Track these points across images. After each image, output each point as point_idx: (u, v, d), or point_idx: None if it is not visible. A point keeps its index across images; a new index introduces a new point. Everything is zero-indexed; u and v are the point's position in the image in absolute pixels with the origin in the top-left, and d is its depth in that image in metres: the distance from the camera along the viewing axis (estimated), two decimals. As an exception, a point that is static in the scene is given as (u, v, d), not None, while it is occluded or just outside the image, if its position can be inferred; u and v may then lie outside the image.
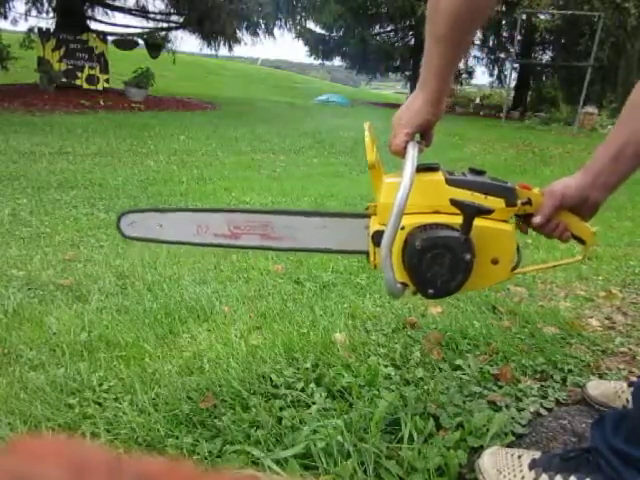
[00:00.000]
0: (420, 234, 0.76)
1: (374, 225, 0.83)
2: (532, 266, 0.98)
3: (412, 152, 0.76)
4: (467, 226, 0.74)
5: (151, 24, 11.49)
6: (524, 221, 0.85)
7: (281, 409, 1.05)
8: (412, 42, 17.85)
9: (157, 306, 1.57)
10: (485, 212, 0.74)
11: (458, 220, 0.75)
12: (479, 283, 0.82)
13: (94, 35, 9.52)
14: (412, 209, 0.75)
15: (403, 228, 0.76)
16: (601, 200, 0.81)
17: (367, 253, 0.88)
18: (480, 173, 0.81)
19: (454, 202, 0.75)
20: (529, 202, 0.82)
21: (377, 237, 0.80)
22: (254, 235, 0.91)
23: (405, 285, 0.80)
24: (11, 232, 2.36)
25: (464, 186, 0.79)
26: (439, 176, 0.80)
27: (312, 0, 10.70)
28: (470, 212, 0.74)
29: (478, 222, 0.74)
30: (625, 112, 0.79)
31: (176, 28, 11.25)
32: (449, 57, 0.77)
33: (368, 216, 0.87)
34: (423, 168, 0.78)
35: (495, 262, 0.80)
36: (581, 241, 0.87)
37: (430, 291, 0.78)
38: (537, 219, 0.82)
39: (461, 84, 17.89)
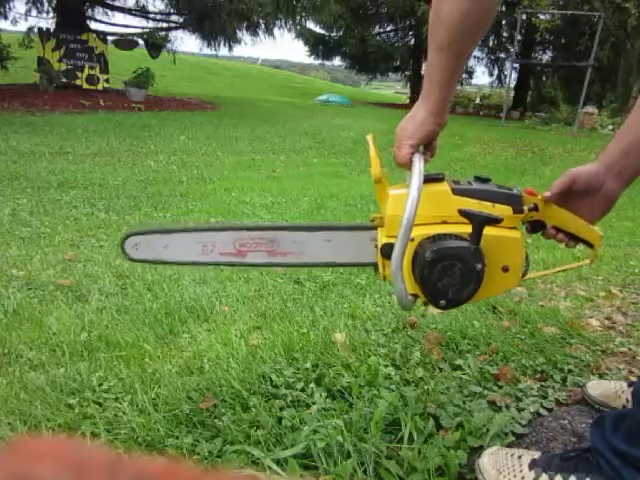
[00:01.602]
0: (430, 245, 0.75)
1: (382, 237, 0.83)
2: (541, 271, 0.98)
3: (418, 164, 0.76)
4: (477, 236, 0.74)
5: (151, 24, 11.50)
6: (531, 228, 0.86)
7: (281, 409, 1.05)
8: (412, 42, 17.86)
9: (157, 306, 1.57)
10: (494, 221, 0.74)
11: (467, 229, 0.75)
12: (490, 292, 0.82)
13: (94, 35, 9.52)
14: (420, 220, 0.75)
15: (412, 240, 0.76)
16: (617, 191, 0.80)
17: (375, 265, 0.88)
18: (485, 181, 0.81)
19: (463, 212, 0.75)
20: (536, 208, 0.82)
21: (386, 250, 0.79)
22: (261, 252, 0.90)
23: (416, 296, 0.80)
24: (11, 232, 2.36)
25: (471, 195, 0.78)
26: (445, 186, 0.79)
27: (312, 0, 10.67)
28: (479, 222, 0.73)
29: (487, 231, 0.74)
30: (636, 108, 0.78)
31: (176, 28, 11.24)
32: (451, 67, 0.77)
33: (374, 228, 0.87)
34: (428, 179, 0.78)
35: (506, 270, 0.80)
36: (589, 245, 0.86)
37: (442, 302, 0.78)
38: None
39: (461, 84, 17.91)
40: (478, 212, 0.74)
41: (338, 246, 0.89)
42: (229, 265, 0.93)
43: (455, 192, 0.79)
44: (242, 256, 0.90)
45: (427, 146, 0.85)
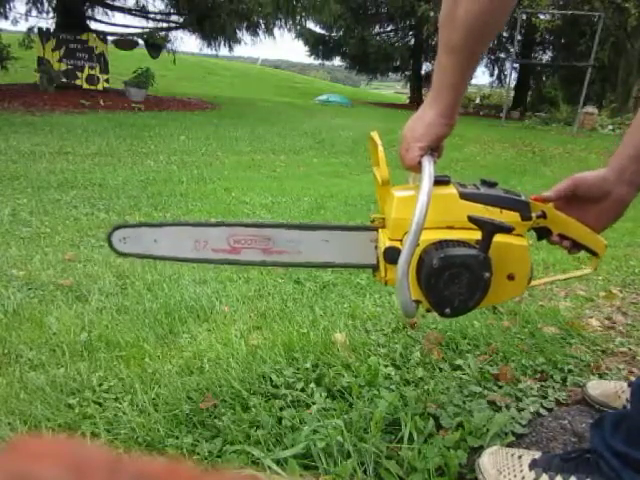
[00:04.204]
0: (437, 252, 0.73)
1: (384, 240, 0.80)
2: (543, 279, 0.97)
3: (428, 167, 0.74)
4: (486, 244, 0.71)
5: (151, 24, 11.49)
6: (536, 234, 0.85)
7: (281, 409, 1.05)
8: (412, 42, 17.86)
9: (157, 306, 1.57)
10: (506, 230, 0.71)
11: (473, 236, 0.73)
12: (495, 299, 0.80)
13: (94, 35, 9.52)
14: (425, 224, 0.72)
15: (418, 245, 0.73)
16: (628, 197, 0.79)
17: (374, 268, 0.86)
18: (492, 185, 0.79)
19: (473, 219, 0.72)
20: (544, 215, 0.80)
21: (390, 254, 0.77)
22: (255, 250, 0.87)
23: (418, 302, 0.78)
24: (11, 232, 2.36)
25: (478, 200, 0.76)
26: (452, 190, 0.77)
27: (312, 0, 10.67)
28: (490, 230, 0.71)
29: (495, 238, 0.72)
30: None
31: (176, 28, 11.24)
32: (464, 68, 0.76)
33: (374, 229, 0.85)
34: (435, 181, 0.75)
35: (511, 278, 0.78)
36: (593, 253, 0.85)
37: (447, 310, 0.75)
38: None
39: (461, 84, 17.88)
40: (489, 220, 0.71)
41: (336, 246, 0.87)
42: (222, 263, 0.90)
43: (462, 196, 0.76)
44: (236, 253, 0.88)
45: (434, 147, 0.83)
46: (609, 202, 0.80)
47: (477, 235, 0.72)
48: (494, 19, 0.73)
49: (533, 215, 0.79)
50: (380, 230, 0.84)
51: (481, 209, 0.76)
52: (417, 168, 0.77)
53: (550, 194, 0.82)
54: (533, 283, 0.85)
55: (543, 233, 0.84)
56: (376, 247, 0.85)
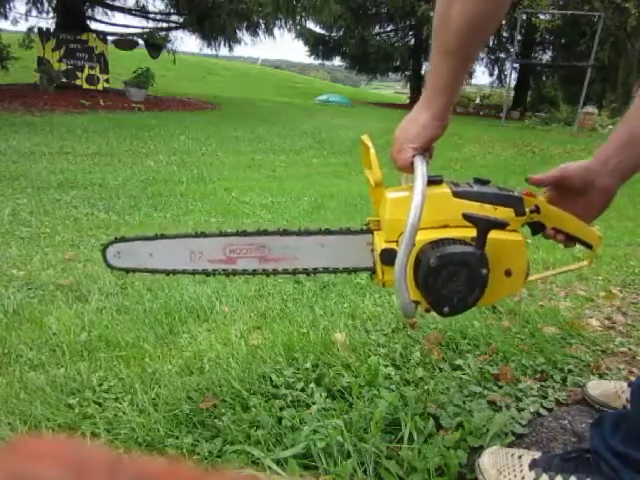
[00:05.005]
0: (433, 251, 0.73)
1: (380, 242, 0.80)
2: (540, 273, 0.97)
3: (421, 167, 0.74)
4: (482, 240, 0.71)
5: (151, 24, 11.50)
6: (531, 229, 0.85)
7: (281, 409, 1.05)
8: (412, 42, 17.87)
9: (157, 306, 1.57)
10: (500, 225, 0.71)
11: (469, 233, 0.73)
12: (493, 297, 0.80)
13: (94, 35, 9.52)
14: (420, 224, 0.72)
15: (414, 245, 0.73)
16: (612, 186, 0.79)
17: (372, 270, 0.86)
18: (485, 183, 0.79)
19: (467, 217, 0.72)
20: (537, 210, 0.81)
21: (386, 255, 0.77)
22: (251, 258, 0.87)
23: (417, 303, 0.78)
24: (11, 232, 2.36)
25: (472, 198, 0.76)
26: (445, 189, 0.77)
27: (312, 0, 10.67)
28: (485, 226, 0.71)
29: (490, 234, 0.72)
30: (637, 100, 0.78)
31: (176, 28, 11.25)
32: (459, 71, 0.75)
33: (370, 232, 0.85)
34: (427, 181, 0.74)
35: (509, 274, 0.78)
36: (588, 245, 0.86)
37: (446, 309, 0.75)
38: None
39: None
40: (484, 216, 0.72)
41: (332, 251, 0.87)
42: (219, 273, 0.90)
43: (456, 195, 0.77)
44: (232, 263, 0.88)
45: (426, 148, 0.84)
46: (593, 193, 0.80)
47: (472, 232, 0.72)
48: (489, 19, 0.72)
49: (527, 210, 0.79)
50: (375, 232, 0.84)
51: (475, 206, 0.76)
52: (409, 169, 0.77)
53: (536, 177, 0.83)
54: (530, 278, 0.85)
55: (537, 228, 0.85)
56: (372, 250, 0.85)
